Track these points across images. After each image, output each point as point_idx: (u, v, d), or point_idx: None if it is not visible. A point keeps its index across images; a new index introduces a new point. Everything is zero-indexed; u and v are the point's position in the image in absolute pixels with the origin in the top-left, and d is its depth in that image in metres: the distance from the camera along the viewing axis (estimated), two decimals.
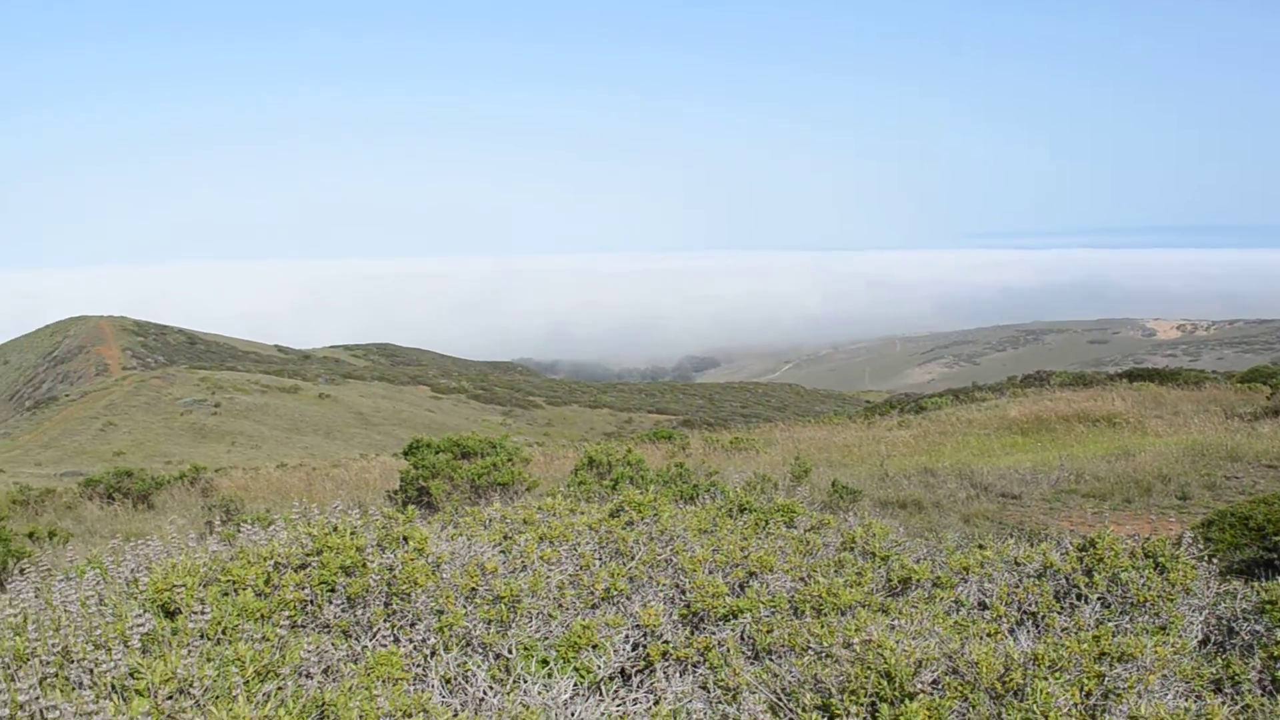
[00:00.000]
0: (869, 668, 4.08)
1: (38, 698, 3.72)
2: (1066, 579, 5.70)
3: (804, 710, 4.06)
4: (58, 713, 3.51)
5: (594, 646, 4.73)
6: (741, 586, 5.82)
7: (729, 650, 4.83)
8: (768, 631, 5.04)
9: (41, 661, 4.42)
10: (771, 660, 4.84)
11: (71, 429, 65.10)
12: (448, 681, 4.36)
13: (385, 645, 4.73)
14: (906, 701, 3.88)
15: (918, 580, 5.81)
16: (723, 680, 4.52)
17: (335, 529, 5.88)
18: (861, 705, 3.96)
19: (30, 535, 11.82)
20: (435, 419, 79.79)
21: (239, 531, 9.55)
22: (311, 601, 5.10)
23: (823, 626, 4.84)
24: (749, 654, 5.03)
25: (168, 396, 73.38)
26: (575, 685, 4.44)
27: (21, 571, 10.41)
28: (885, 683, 4.03)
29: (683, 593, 5.62)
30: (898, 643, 4.30)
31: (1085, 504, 13.99)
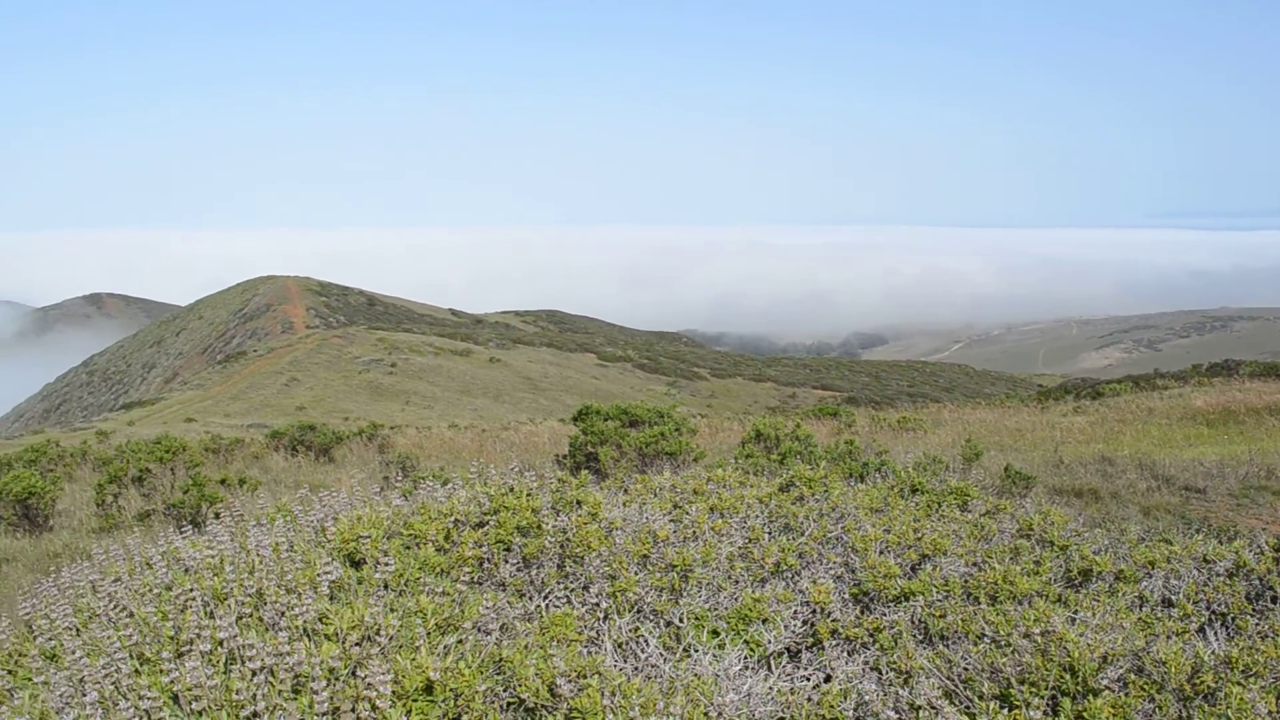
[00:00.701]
0: (1050, 659, 3.96)
1: (235, 635, 3.92)
2: (1261, 580, 5.41)
3: (981, 698, 3.96)
4: (254, 650, 3.68)
5: (764, 620, 4.72)
6: (913, 569, 5.72)
7: (901, 632, 4.75)
8: (940, 616, 4.94)
9: (237, 601, 4.65)
10: (945, 646, 4.75)
11: (258, 383, 68.26)
12: (620, 646, 4.41)
13: (558, 606, 4.82)
14: (1090, 697, 3.75)
15: (1098, 572, 5.61)
16: (895, 663, 4.46)
17: (511, 490, 6.00)
18: (1042, 698, 3.85)
19: (222, 482, 12.45)
20: (600, 386, 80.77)
21: (416, 488, 9.86)
22: (488, 559, 5.22)
23: (999, 614, 4.71)
24: (920, 638, 4.94)
25: (347, 355, 76.18)
26: (745, 658, 4.44)
27: (216, 515, 11.00)
28: (1067, 676, 3.91)
29: (852, 571, 5.56)
30: (1080, 636, 4.16)
31: (1277, 502, 13.28)
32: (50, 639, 5.19)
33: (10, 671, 5.28)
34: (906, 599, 5.13)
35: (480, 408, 64.14)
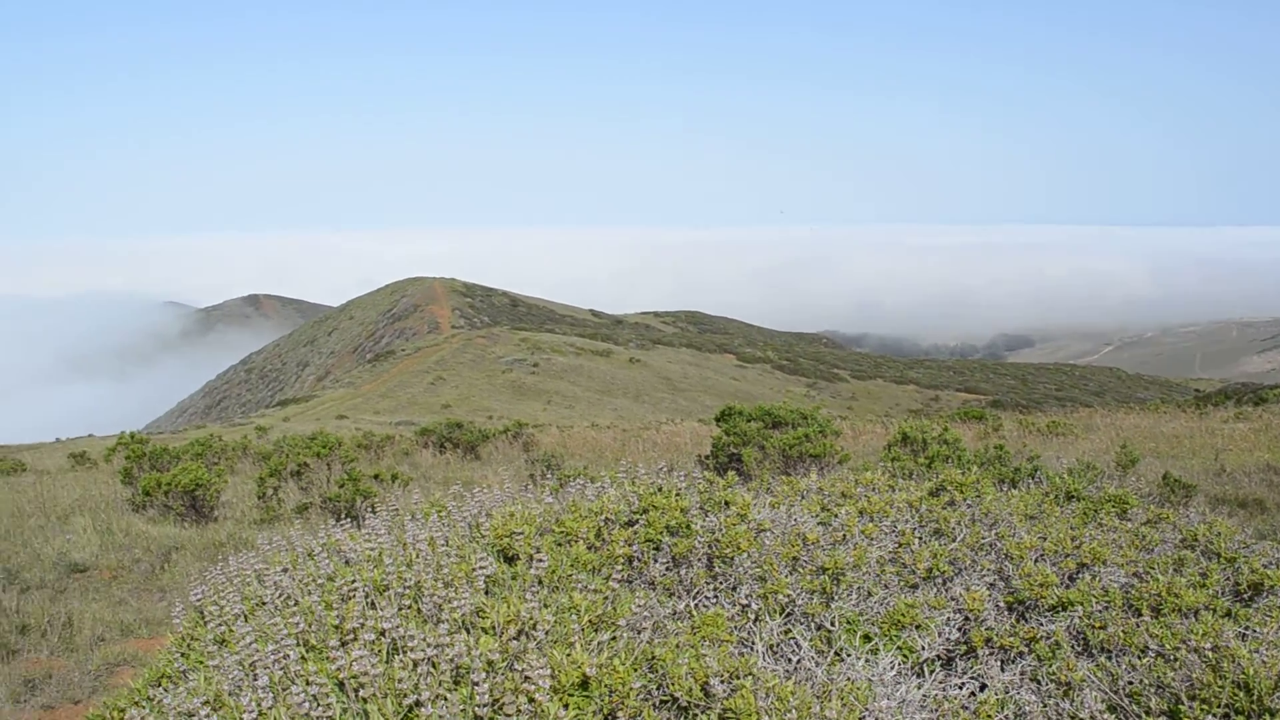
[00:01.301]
0: (1224, 676, 3.81)
1: (397, 626, 4.04)
2: None
3: (1148, 714, 3.84)
4: (415, 641, 3.79)
5: (916, 626, 4.65)
6: (1070, 578, 5.56)
7: (1058, 643, 4.63)
8: (1101, 627, 4.79)
9: (396, 594, 4.79)
10: (1106, 658, 4.61)
11: (405, 381, 70.08)
12: (771, 648, 4.40)
13: (707, 606, 4.83)
14: (1267, 717, 3.59)
15: (1270, 586, 5.36)
16: (1054, 673, 4.34)
17: (660, 490, 6.04)
18: (1215, 715, 3.70)
19: (375, 477, 12.82)
20: (740, 387, 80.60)
21: (563, 486, 10.01)
22: (638, 558, 5.26)
23: (1163, 627, 4.55)
24: (1078, 649, 4.80)
25: (491, 355, 77.63)
26: (897, 664, 4.38)
27: (370, 509, 11.33)
28: (1241, 694, 3.76)
29: (1005, 579, 5.43)
30: (1253, 652, 3.99)
31: None
32: (220, 624, 5.42)
33: (183, 654, 5.54)
34: (1064, 609, 5.00)
35: (620, 408, 64.66)
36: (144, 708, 4.36)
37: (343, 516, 11.62)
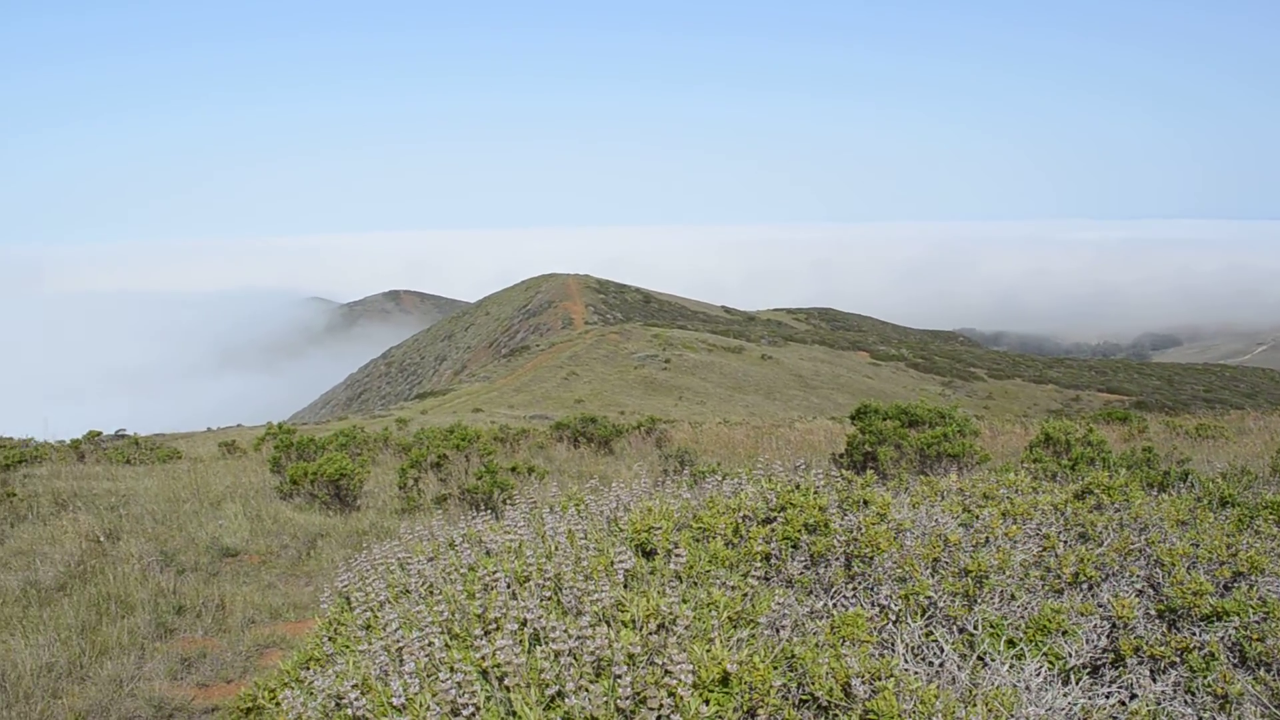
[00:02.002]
0: None
1: (539, 617, 4.10)
2: None
3: None
4: (557, 632, 3.84)
5: (1063, 632, 4.53)
6: (1226, 587, 5.34)
7: (1212, 654, 4.46)
8: (1259, 639, 4.60)
9: (537, 585, 4.86)
10: (1264, 672, 4.42)
11: (540, 376, 70.99)
12: (912, 650, 4.34)
13: (845, 606, 4.78)
14: None
15: None
16: (1210, 686, 4.18)
17: (798, 487, 6.00)
18: None
19: (512, 470, 13.02)
20: (873, 385, 79.53)
21: (696, 482, 10.01)
22: (776, 556, 5.24)
23: None
24: (1234, 661, 4.62)
25: (624, 351, 78.10)
26: (1043, 670, 4.27)
27: (506, 501, 11.50)
28: None
29: (1155, 587, 5.25)
30: None
31: None
32: (366, 611, 5.58)
33: (331, 638, 5.72)
34: (1219, 619, 4.80)
35: (752, 404, 64.40)
36: (295, 689, 4.51)
37: (480, 508, 11.83)
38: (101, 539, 10.26)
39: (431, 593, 5.32)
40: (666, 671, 3.45)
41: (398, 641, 4.40)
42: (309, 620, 8.16)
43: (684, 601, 4.27)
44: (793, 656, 3.94)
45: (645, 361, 74.62)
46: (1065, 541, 5.77)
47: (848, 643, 4.16)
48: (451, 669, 3.93)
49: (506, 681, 3.56)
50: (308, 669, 5.78)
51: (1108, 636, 4.72)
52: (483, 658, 3.77)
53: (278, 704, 5.57)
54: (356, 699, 3.73)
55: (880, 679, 3.64)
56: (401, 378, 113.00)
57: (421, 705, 3.58)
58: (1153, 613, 4.97)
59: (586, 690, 3.41)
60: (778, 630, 4.33)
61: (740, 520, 5.48)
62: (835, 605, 4.83)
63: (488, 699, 3.64)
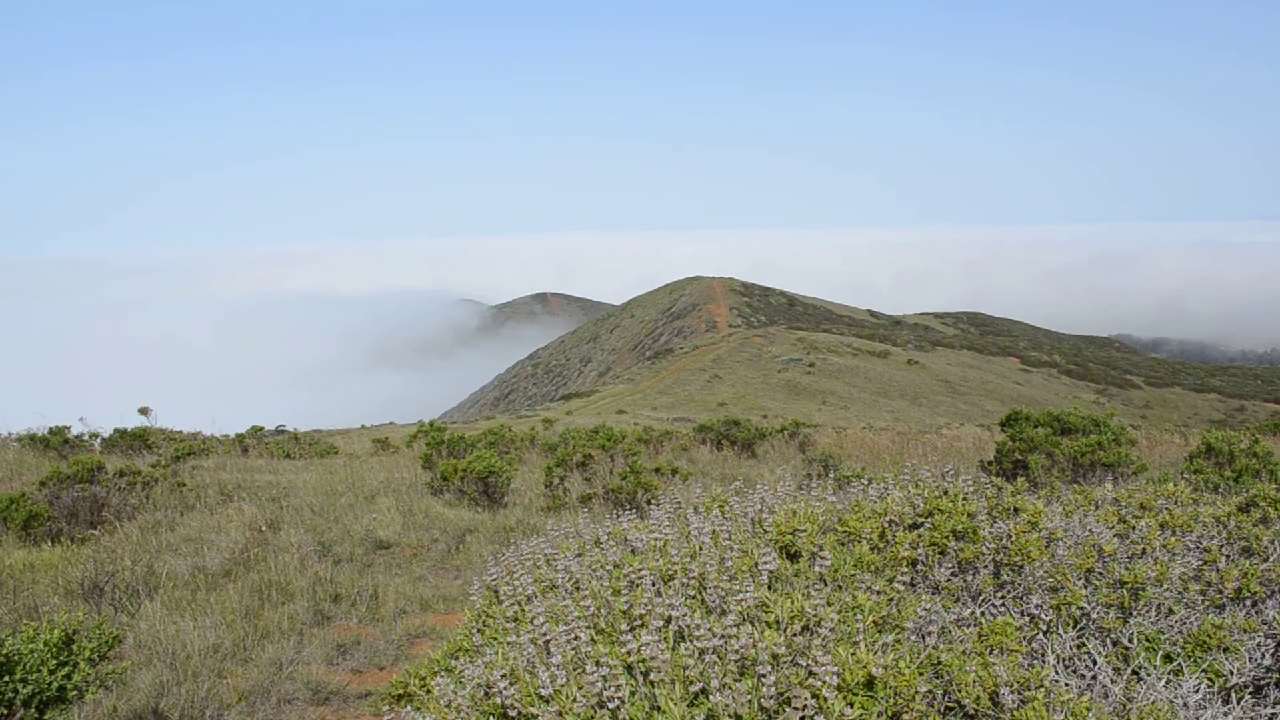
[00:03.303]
0: None
1: (684, 614, 4.14)
2: None
3: None
4: (701, 630, 3.87)
5: (1224, 649, 4.36)
6: None
7: None
8: None
9: (681, 583, 4.91)
10: None
11: (683, 379, 71.22)
12: (1063, 661, 4.24)
13: (994, 615, 4.70)
14: None
15: None
16: None
17: (946, 493, 5.91)
18: None
19: (656, 470, 13.12)
20: (1023, 392, 77.54)
21: (841, 486, 9.93)
22: (922, 562, 5.18)
23: None
24: None
25: (767, 354, 77.81)
26: (1202, 687, 4.13)
27: (649, 502, 11.58)
28: None
29: None
30: None
31: None
32: (514, 604, 5.71)
33: (479, 630, 5.87)
34: None
35: (897, 410, 63.47)
36: (446, 677, 4.65)
37: (624, 507, 11.96)
38: (263, 529, 10.70)
39: (578, 588, 5.42)
40: (810, 673, 3.46)
41: (544, 634, 4.50)
42: (457, 612, 8.37)
43: (829, 604, 4.26)
44: (939, 663, 3.89)
45: (788, 365, 74.20)
46: (1228, 555, 5.56)
47: (996, 651, 4.09)
48: (597, 663, 4.01)
49: (651, 677, 3.61)
50: (457, 659, 5.94)
51: (1272, 655, 4.54)
52: (628, 653, 3.83)
53: (429, 691, 5.75)
54: (506, 688, 3.83)
55: (1030, 689, 3.58)
56: (547, 379, 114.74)
57: (568, 697, 3.66)
58: None
59: (730, 688, 3.43)
60: (923, 636, 4.29)
61: (886, 525, 5.43)
62: (983, 613, 4.75)
63: (632, 693, 3.70)
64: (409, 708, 6.13)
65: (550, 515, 12.13)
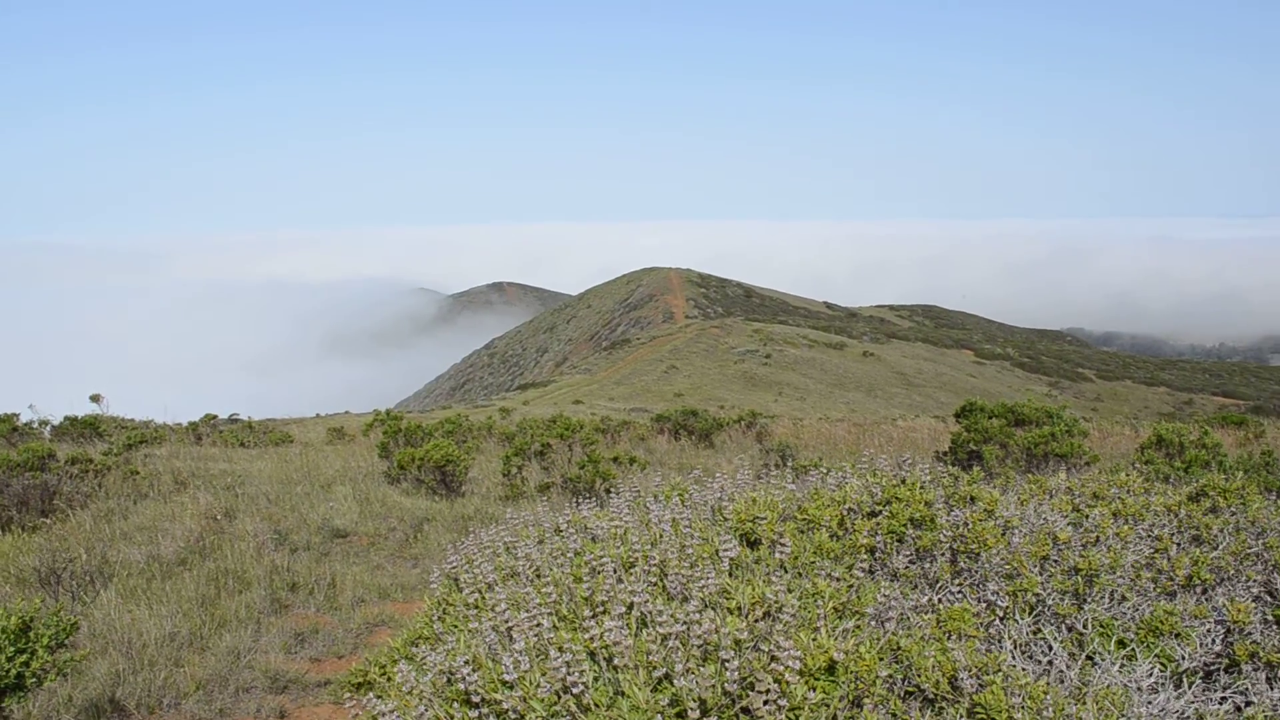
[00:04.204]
0: None
1: (646, 600, 4.16)
2: None
3: None
4: (664, 616, 3.89)
5: (1176, 635, 4.45)
6: None
7: None
8: None
9: (642, 571, 4.93)
10: None
11: (640, 369, 71.27)
12: (1019, 646, 4.30)
13: (951, 601, 4.76)
14: None
15: None
16: None
17: (903, 482, 5.97)
18: None
19: (614, 460, 13.13)
20: (977, 384, 78.32)
21: (799, 476, 9.97)
22: (880, 549, 5.23)
23: None
24: None
25: (724, 345, 78.02)
26: (1155, 672, 4.21)
27: (608, 491, 11.61)
28: None
29: (1273, 593, 5.12)
30: None
31: None
32: (474, 592, 5.71)
33: (440, 617, 5.86)
34: None
35: (853, 401, 63.88)
36: (408, 665, 4.65)
37: (583, 496, 11.97)
38: (219, 517, 10.61)
39: (539, 576, 5.43)
40: (773, 658, 3.49)
41: (506, 621, 4.50)
42: (416, 601, 8.35)
43: (789, 591, 4.30)
44: (898, 648, 3.94)
45: (745, 356, 74.44)
46: (1179, 544, 5.65)
47: (954, 637, 4.15)
48: (559, 649, 4.02)
49: (616, 662, 3.62)
50: (417, 646, 5.93)
51: (1222, 641, 4.63)
52: (591, 639, 3.84)
53: (390, 679, 5.74)
54: (469, 675, 3.83)
55: (989, 674, 3.63)
56: (504, 368, 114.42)
57: (532, 683, 3.67)
58: (1270, 618, 4.86)
59: (694, 673, 3.46)
60: (883, 623, 4.33)
61: (845, 513, 5.48)
62: (941, 600, 4.81)
63: (596, 679, 3.71)
64: (369, 696, 6.13)
65: (508, 504, 12.11)
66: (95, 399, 18.08)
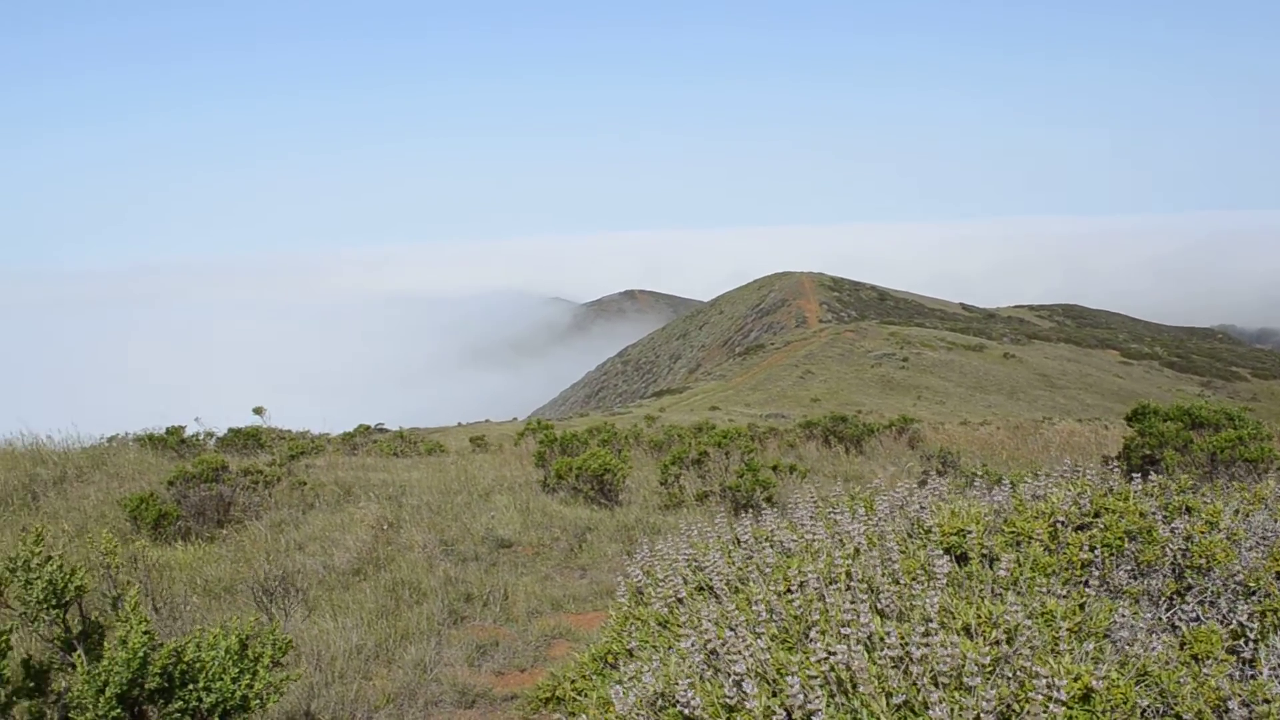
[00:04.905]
0: None
1: (867, 623, 3.96)
2: None
3: None
4: (893, 638, 3.70)
5: None
6: None
7: None
8: None
9: (845, 587, 4.73)
10: None
11: (775, 374, 70.76)
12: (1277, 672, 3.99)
13: (1185, 620, 4.45)
14: None
15: None
16: None
17: (1111, 491, 5.66)
18: None
19: (773, 468, 12.93)
20: (1124, 385, 75.76)
21: (968, 484, 9.63)
22: (1095, 564, 4.94)
23: None
24: None
25: (859, 349, 76.99)
26: None
27: (768, 500, 11.39)
28: None
29: None
30: None
31: None
32: (663, 605, 5.59)
33: (628, 633, 5.75)
34: None
35: (994, 404, 62.34)
36: (615, 684, 4.54)
37: (742, 506, 11.79)
38: (386, 527, 10.74)
39: (737, 591, 5.27)
40: (1020, 683, 3.27)
41: (710, 640, 4.36)
42: (589, 613, 8.28)
43: (1021, 610, 4.06)
44: (1145, 673, 3.68)
45: (882, 360, 73.35)
46: None
47: (1199, 660, 3.86)
48: (779, 671, 3.86)
49: (861, 690, 3.44)
50: (606, 662, 5.84)
51: None
52: (819, 660, 3.66)
53: (581, 694, 5.64)
54: (691, 697, 3.69)
55: (1257, 702, 3.35)
56: (637, 375, 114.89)
57: (764, 709, 3.51)
58: None
59: (950, 701, 3.26)
60: (1119, 644, 4.07)
61: (1055, 525, 5.21)
62: (1171, 618, 4.51)
63: (828, 704, 3.53)
64: (558, 713, 6.06)
65: (668, 513, 12.01)
66: (258, 411, 18.59)
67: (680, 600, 5.59)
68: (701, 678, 4.12)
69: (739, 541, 6.41)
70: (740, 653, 3.97)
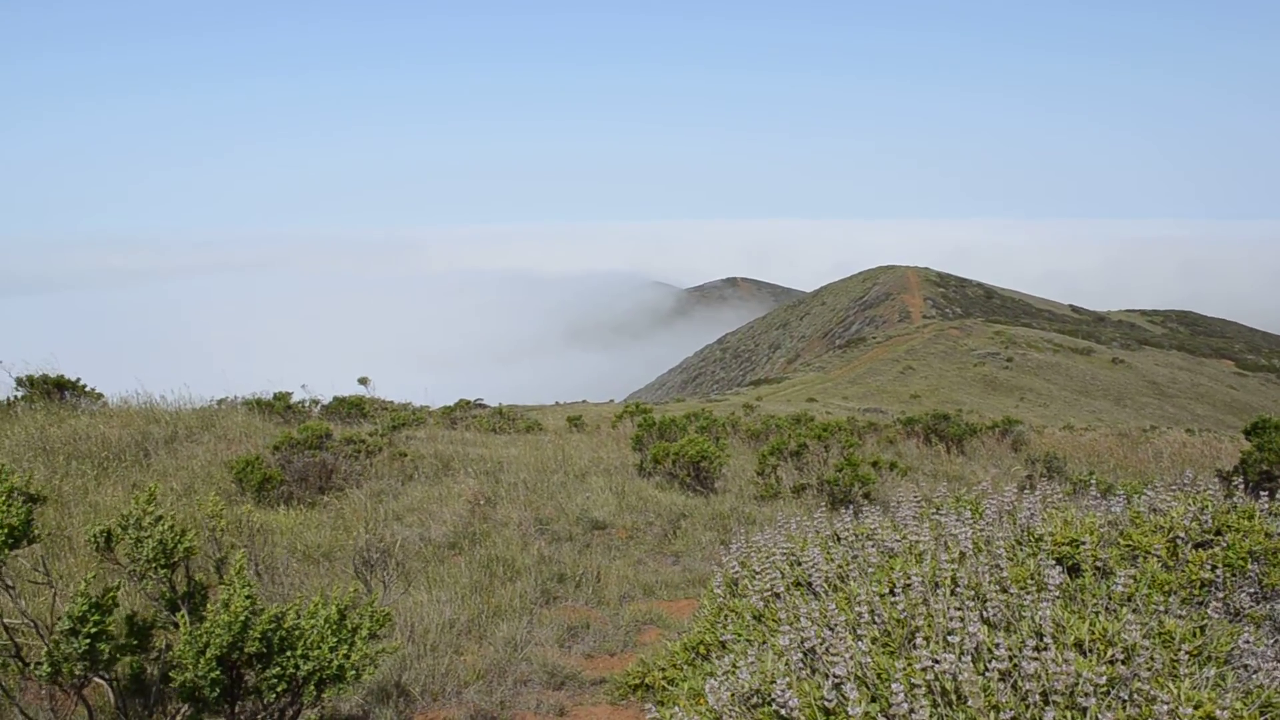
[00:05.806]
0: None
1: (975, 632, 3.82)
2: None
3: None
4: (1001, 650, 3.56)
5: None
6: None
7: None
8: None
9: (949, 592, 4.59)
10: None
11: (875, 369, 69.89)
12: None
13: None
14: None
15: None
16: None
17: (1234, 508, 5.41)
18: None
19: (873, 464, 12.72)
20: (1238, 397, 73.26)
21: (1076, 491, 9.31)
22: (1216, 584, 4.72)
23: None
24: None
25: (963, 347, 75.64)
26: None
27: (866, 496, 11.20)
28: None
29: None
30: None
31: None
32: (759, 599, 5.50)
33: (721, 624, 5.68)
34: None
35: (1099, 410, 60.78)
36: (709, 678, 4.47)
37: (840, 501, 11.62)
38: (483, 503, 10.81)
39: (836, 589, 5.16)
40: (1139, 707, 3.12)
41: (809, 638, 4.26)
42: (681, 600, 8.23)
43: (1139, 628, 3.88)
44: (1269, 706, 3.49)
45: (985, 359, 71.96)
46: None
47: None
48: (881, 676, 3.75)
49: (971, 703, 3.32)
50: (697, 653, 5.77)
51: None
52: (923, 668, 3.54)
53: (671, 683, 5.59)
54: (790, 698, 3.60)
55: None
56: (735, 363, 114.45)
57: (865, 717, 3.40)
58: None
59: None
60: (1239, 673, 3.87)
61: (1174, 541, 4.99)
62: None
63: (931, 715, 3.42)
64: (647, 701, 6.02)
65: (764, 504, 11.89)
66: (363, 381, 18.88)
67: (777, 595, 5.50)
68: (799, 677, 4.03)
69: (839, 538, 6.29)
70: (841, 654, 3.87)
